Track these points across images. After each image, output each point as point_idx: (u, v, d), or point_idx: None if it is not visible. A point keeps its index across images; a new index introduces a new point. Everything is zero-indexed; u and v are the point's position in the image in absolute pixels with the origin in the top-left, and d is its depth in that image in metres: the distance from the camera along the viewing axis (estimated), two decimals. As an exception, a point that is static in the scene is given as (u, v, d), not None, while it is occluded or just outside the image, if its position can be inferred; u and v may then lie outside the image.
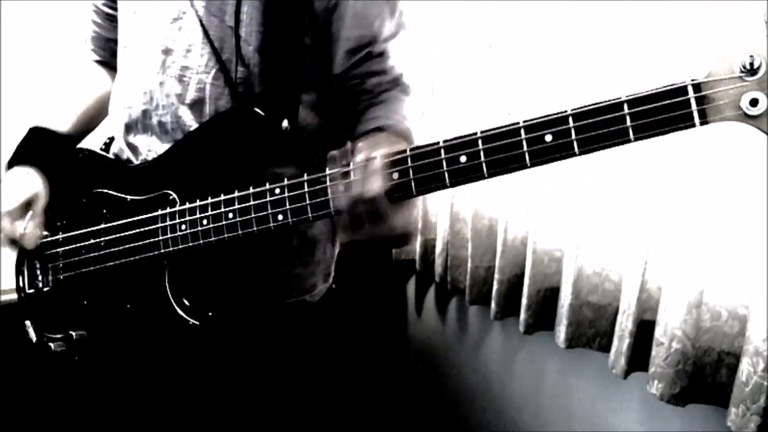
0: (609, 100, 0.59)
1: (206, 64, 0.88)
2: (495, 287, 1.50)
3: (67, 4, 2.25)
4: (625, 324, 1.17)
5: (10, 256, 1.54)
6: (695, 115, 0.56)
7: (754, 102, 0.55)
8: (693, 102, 0.56)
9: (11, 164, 0.97)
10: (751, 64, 0.54)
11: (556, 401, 1.51)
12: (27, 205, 0.94)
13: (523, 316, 1.41)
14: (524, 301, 1.40)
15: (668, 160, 1.07)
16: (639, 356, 1.16)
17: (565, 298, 1.29)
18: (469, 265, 1.59)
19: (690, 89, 0.56)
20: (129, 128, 0.94)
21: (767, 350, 0.93)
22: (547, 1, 1.30)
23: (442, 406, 1.98)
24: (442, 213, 1.69)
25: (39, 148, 0.98)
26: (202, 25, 0.87)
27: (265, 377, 1.00)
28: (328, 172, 0.72)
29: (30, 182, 0.95)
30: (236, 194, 0.78)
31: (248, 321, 0.95)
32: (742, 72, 0.55)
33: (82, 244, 0.92)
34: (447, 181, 0.66)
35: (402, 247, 0.72)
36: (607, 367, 1.24)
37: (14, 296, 1.34)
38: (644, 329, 1.15)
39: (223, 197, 0.79)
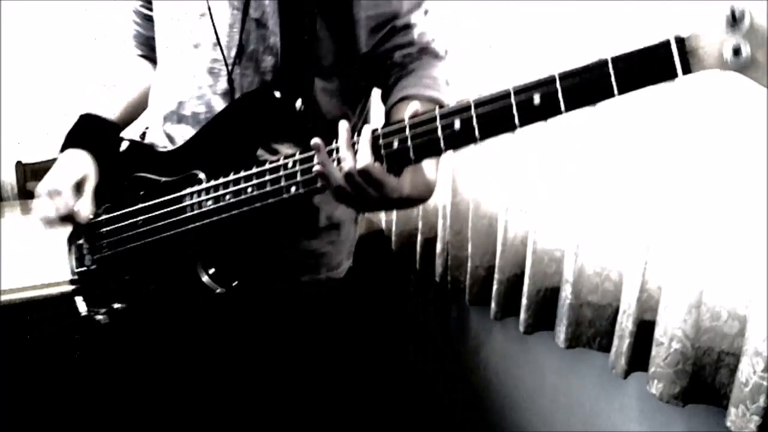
0: (594, 61, 0.60)
1: (234, 55, 0.93)
2: (495, 287, 1.50)
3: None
4: (625, 324, 1.17)
5: (10, 256, 1.54)
6: (677, 64, 0.56)
7: (736, 51, 0.55)
8: (675, 52, 0.56)
9: (64, 147, 1.03)
10: (734, 15, 0.54)
11: (556, 401, 1.51)
12: (79, 185, 1.00)
13: (523, 316, 1.41)
14: (524, 301, 1.40)
15: (669, 160, 1.07)
16: (639, 356, 1.16)
17: (565, 298, 1.29)
18: (469, 265, 1.59)
19: (672, 42, 0.56)
20: (165, 119, 1.01)
21: (767, 350, 0.93)
22: (547, 1, 1.30)
23: (442, 406, 1.98)
24: (442, 213, 1.69)
25: (89, 132, 1.05)
26: (230, 17, 0.92)
27: (293, 352, 1.06)
28: (327, 147, 0.76)
29: (82, 163, 1.01)
30: (254, 170, 0.83)
31: (278, 296, 1.00)
32: (725, 25, 0.55)
33: (123, 224, 0.98)
34: (442, 145, 0.69)
35: (419, 205, 0.79)
36: (607, 367, 1.24)
37: (14, 296, 1.35)
38: (644, 329, 1.15)
39: (243, 173, 0.84)
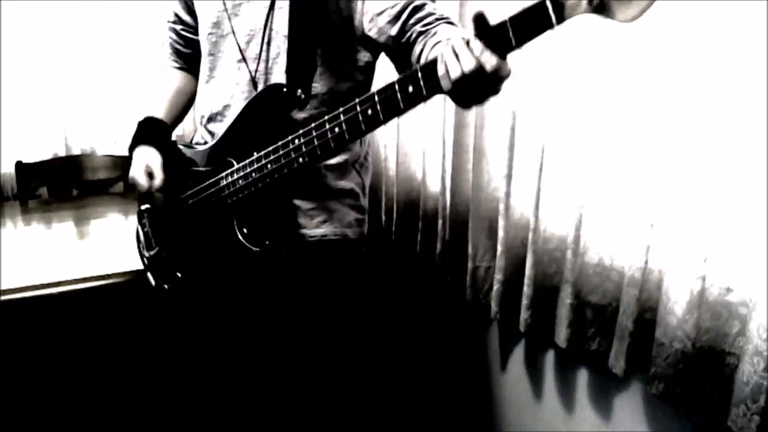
0: (496, 24, 0.76)
1: (269, 69, 1.14)
2: (495, 287, 1.50)
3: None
4: (625, 324, 1.17)
5: (10, 256, 1.54)
6: (552, 16, 0.70)
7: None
8: (550, 7, 0.70)
9: (132, 147, 1.27)
10: None
11: (556, 401, 1.51)
12: (150, 173, 1.22)
13: (523, 316, 1.41)
14: (524, 301, 1.40)
15: (668, 160, 1.08)
16: (639, 356, 1.16)
17: (565, 298, 1.29)
18: (469, 265, 1.60)
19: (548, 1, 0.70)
20: (210, 119, 1.24)
21: (767, 350, 0.93)
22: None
23: (441, 406, 1.98)
24: (441, 213, 1.69)
25: (150, 131, 1.29)
26: (269, 38, 1.13)
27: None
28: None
29: (150, 155, 1.24)
30: (270, 149, 1.05)
31: (304, 252, 1.19)
32: None
33: (179, 208, 1.24)
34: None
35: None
36: (607, 367, 1.24)
37: (14, 296, 1.35)
38: (644, 329, 1.15)
39: (262, 153, 1.06)
